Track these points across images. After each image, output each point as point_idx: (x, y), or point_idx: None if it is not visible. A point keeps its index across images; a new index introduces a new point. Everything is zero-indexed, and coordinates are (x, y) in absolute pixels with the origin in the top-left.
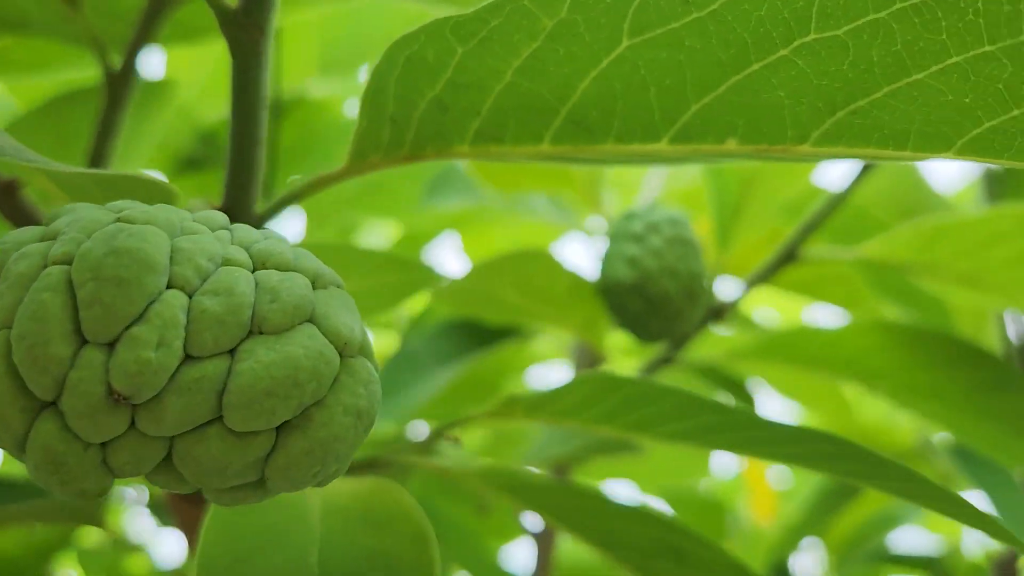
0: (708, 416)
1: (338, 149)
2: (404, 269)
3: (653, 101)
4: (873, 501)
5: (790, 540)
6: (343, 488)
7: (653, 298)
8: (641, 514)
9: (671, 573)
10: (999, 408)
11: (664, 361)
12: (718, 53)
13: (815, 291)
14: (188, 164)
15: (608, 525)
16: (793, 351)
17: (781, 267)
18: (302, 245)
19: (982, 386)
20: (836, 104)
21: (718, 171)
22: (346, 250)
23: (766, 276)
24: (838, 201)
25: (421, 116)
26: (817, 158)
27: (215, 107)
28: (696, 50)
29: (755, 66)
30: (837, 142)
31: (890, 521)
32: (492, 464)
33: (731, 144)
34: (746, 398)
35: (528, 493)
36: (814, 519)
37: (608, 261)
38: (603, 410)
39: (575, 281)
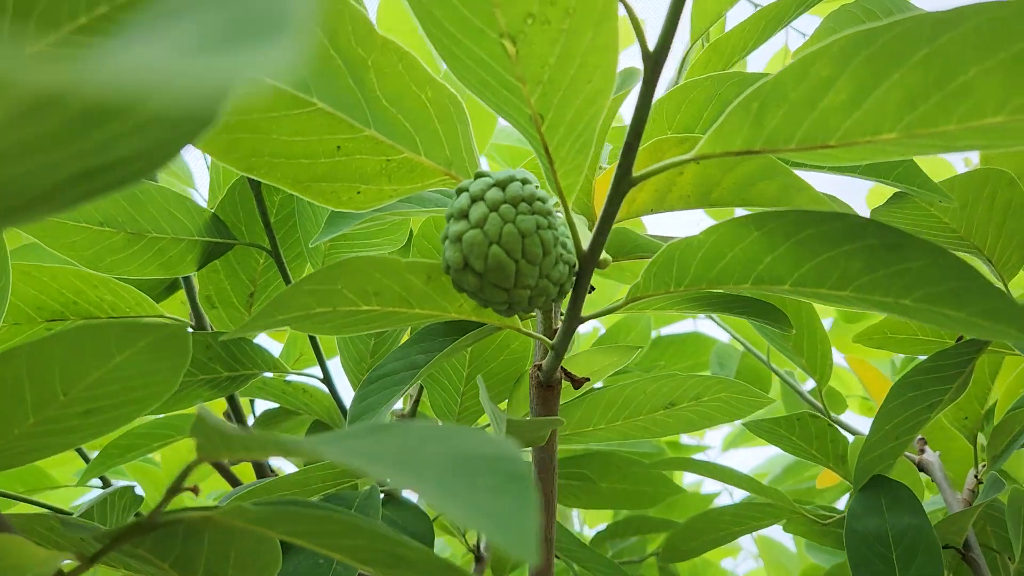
0: None
1: None
2: (154, 331)
3: None
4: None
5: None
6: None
7: (483, 271)
8: (367, 530)
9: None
10: (898, 277)
11: (573, 321)
12: None
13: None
14: None
15: (345, 542)
16: (679, 276)
17: (623, 195)
18: None
19: (878, 254)
20: None
21: (512, 118)
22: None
23: (612, 210)
24: (642, 111)
25: None
26: None
27: None
28: None
29: None
30: None
31: None
32: (241, 504)
33: None
34: (778, 316)
35: (277, 522)
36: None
37: (443, 245)
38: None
39: (430, 272)
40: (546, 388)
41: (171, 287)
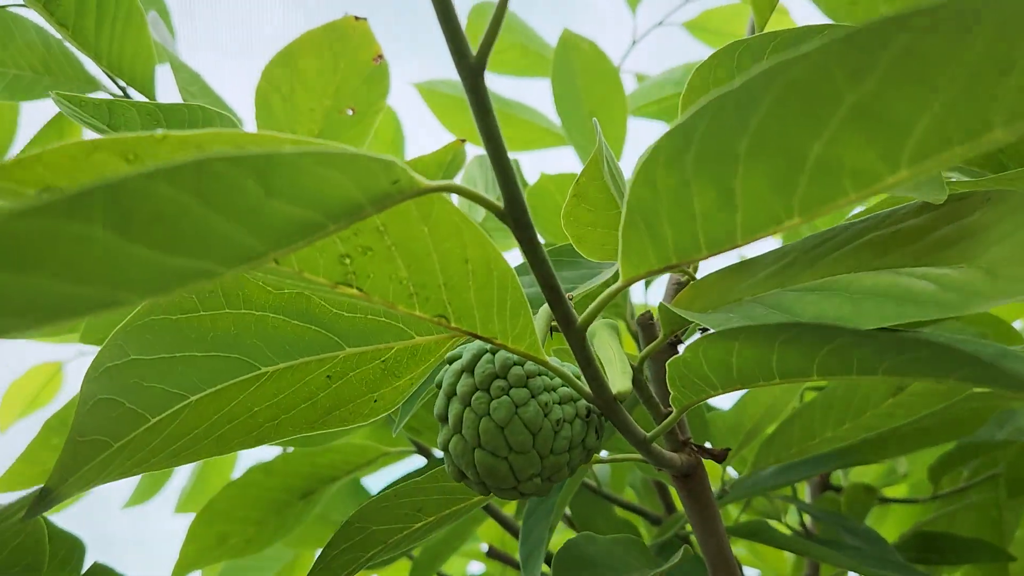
0: None
1: None
2: None
3: None
4: None
5: None
6: None
7: (479, 478)
8: None
9: None
10: (917, 364)
11: (641, 445)
12: None
13: None
14: None
15: None
16: (708, 385)
17: (581, 339)
18: None
19: (872, 345)
20: None
21: (425, 328)
22: None
23: (586, 356)
24: (540, 268)
25: None
26: None
27: None
28: None
29: None
30: None
31: None
32: None
33: None
34: None
35: None
36: None
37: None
38: None
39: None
40: (684, 478)
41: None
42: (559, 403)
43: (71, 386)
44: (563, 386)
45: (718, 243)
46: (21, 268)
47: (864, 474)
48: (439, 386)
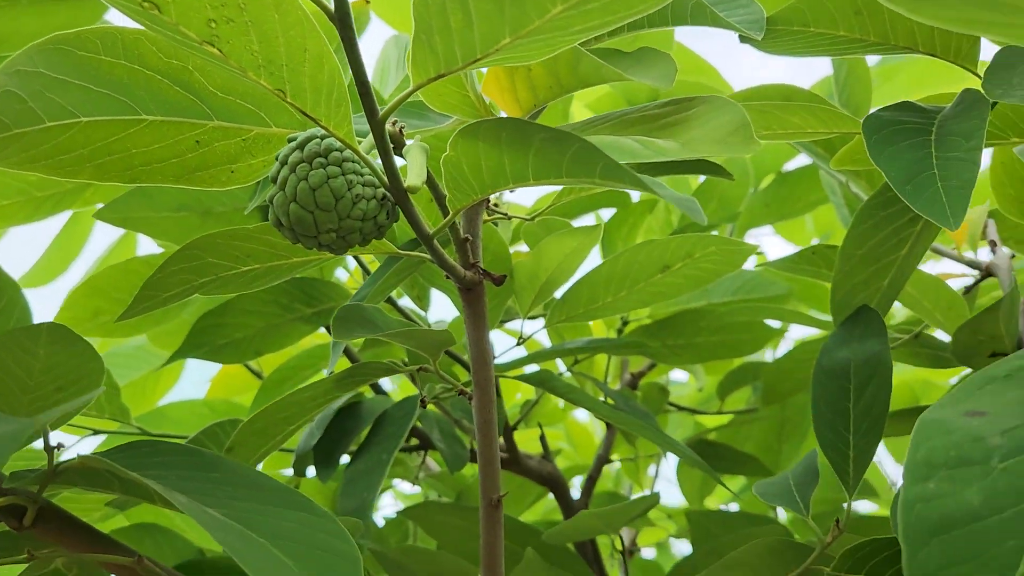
0: None
1: None
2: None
3: None
4: None
5: None
6: None
7: (291, 225)
8: None
9: None
10: (576, 160)
11: (425, 239)
12: None
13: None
14: None
15: None
16: (468, 187)
17: (381, 132)
18: None
19: (555, 145)
20: None
21: (271, 95)
22: None
23: (384, 145)
24: (355, 64)
25: None
26: None
27: None
28: None
29: None
30: None
31: None
32: None
33: None
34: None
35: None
36: None
37: None
38: None
39: None
40: (467, 291)
41: None
42: (363, 185)
43: None
44: (369, 175)
45: (467, 56)
46: None
47: (682, 399)
48: (277, 158)
